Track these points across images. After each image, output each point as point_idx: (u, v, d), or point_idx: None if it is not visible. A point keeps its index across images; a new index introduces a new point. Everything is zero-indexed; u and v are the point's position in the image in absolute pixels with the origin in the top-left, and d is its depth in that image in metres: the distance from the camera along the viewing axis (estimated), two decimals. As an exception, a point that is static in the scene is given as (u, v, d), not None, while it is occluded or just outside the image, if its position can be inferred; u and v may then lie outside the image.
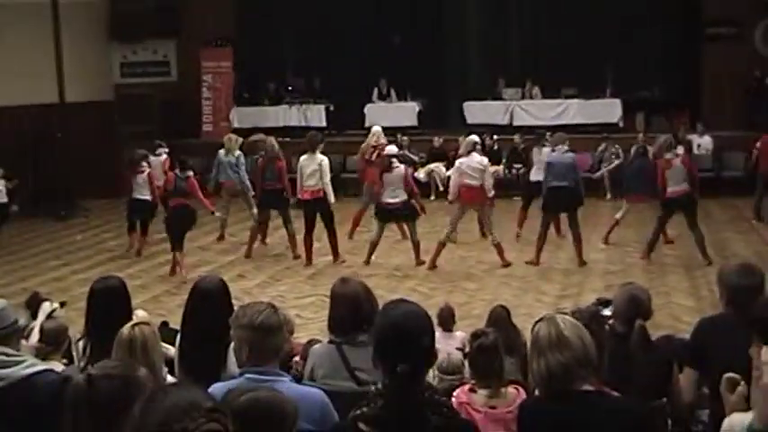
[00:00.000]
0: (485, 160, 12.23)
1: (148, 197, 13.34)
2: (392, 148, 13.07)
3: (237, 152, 13.90)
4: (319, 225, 12.50)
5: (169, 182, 12.74)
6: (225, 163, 13.94)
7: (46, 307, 6.01)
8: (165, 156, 14.58)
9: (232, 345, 4.60)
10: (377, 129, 14.25)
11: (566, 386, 3.31)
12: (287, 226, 13.05)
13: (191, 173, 12.69)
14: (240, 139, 14.18)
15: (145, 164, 13.41)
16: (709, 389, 4.67)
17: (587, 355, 3.33)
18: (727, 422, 2.60)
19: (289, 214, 13.00)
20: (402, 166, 12.42)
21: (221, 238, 14.39)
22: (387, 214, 12.34)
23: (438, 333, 6.72)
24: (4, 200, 15.98)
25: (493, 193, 12.22)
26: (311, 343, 5.41)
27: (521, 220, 13.80)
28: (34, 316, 6.13)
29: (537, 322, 3.51)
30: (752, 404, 2.32)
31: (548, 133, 14.06)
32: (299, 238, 12.68)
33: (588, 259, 12.10)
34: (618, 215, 13.35)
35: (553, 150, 12.35)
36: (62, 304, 6.33)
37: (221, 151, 14.09)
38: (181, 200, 12.30)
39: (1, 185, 16.20)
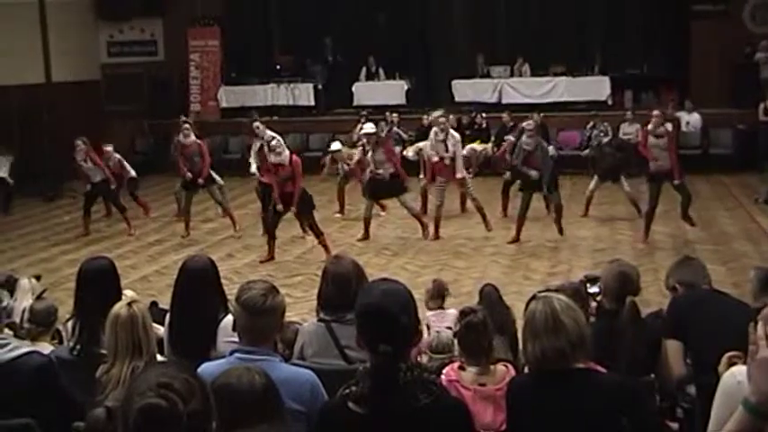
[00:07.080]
0: (457, 136, 12.50)
1: (101, 178, 13.56)
2: (369, 127, 13.04)
3: None
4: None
5: None
6: None
7: (24, 285, 5.99)
8: (118, 157, 14.29)
9: (221, 324, 4.63)
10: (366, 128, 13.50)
11: (558, 366, 3.32)
12: (220, 204, 13.57)
13: None
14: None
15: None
16: (693, 362, 4.69)
17: (581, 337, 3.32)
18: (728, 373, 2.58)
19: (216, 192, 13.42)
20: (382, 149, 12.42)
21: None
22: (375, 190, 12.33)
23: (431, 312, 6.76)
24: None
25: (463, 174, 12.35)
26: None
27: (504, 204, 13.70)
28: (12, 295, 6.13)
29: (531, 300, 3.50)
30: (747, 379, 2.32)
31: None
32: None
33: (577, 236, 12.12)
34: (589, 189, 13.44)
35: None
36: (37, 278, 6.32)
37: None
38: None
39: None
